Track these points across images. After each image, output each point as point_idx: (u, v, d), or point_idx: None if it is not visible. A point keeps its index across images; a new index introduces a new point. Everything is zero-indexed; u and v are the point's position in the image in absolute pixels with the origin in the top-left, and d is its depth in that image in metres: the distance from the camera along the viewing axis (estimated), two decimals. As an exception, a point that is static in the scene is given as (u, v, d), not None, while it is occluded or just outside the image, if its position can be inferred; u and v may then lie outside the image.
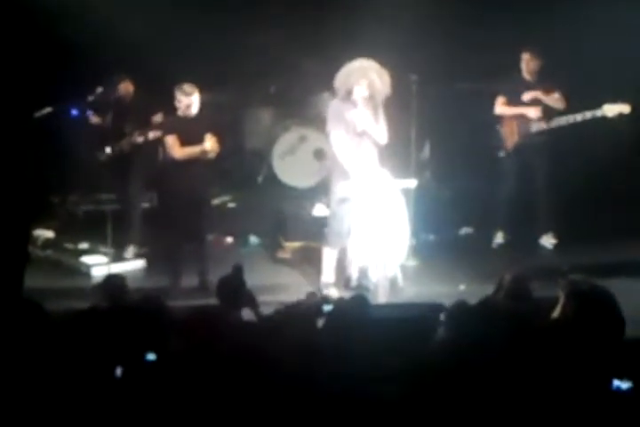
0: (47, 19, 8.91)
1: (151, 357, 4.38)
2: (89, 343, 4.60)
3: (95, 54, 8.84)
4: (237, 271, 6.14)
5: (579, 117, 8.53)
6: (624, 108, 8.33)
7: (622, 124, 8.43)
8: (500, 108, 8.89)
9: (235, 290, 5.93)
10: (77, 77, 8.87)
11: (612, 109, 8.35)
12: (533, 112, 8.72)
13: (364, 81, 7.48)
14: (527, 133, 8.79)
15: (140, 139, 8.49)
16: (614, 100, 8.34)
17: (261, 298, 6.10)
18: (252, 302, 5.97)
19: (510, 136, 8.88)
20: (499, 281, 6.08)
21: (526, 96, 8.74)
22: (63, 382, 4.18)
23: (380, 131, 7.61)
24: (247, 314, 5.93)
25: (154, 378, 4.21)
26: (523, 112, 8.75)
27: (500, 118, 8.93)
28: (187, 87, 7.75)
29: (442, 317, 5.41)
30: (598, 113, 8.41)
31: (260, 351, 4.53)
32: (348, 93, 7.55)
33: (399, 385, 4.13)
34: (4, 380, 4.17)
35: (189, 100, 7.73)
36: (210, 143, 7.72)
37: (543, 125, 8.73)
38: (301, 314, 5.36)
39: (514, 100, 8.82)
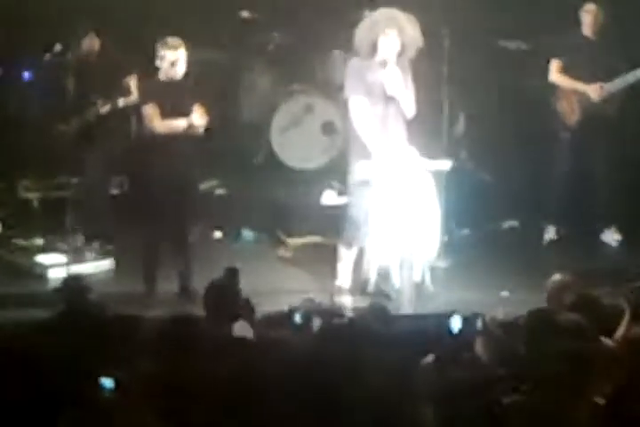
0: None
1: (108, 384, 4.26)
2: (38, 362, 4.58)
3: (53, 4, 8.81)
4: (232, 275, 6.12)
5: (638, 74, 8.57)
6: None
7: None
8: (556, 75, 8.83)
9: (228, 298, 5.91)
10: (31, 32, 8.85)
11: None
12: (596, 92, 8.69)
13: (392, 30, 7.40)
14: (589, 106, 8.74)
15: (106, 108, 8.47)
16: None
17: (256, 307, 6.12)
18: (248, 314, 5.94)
19: (569, 111, 8.83)
20: (550, 287, 6.06)
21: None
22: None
23: (409, 98, 7.54)
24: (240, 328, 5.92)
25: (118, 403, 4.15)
26: (582, 89, 8.72)
27: (555, 89, 8.88)
28: (171, 40, 7.71)
29: (478, 326, 5.36)
30: None
31: (254, 374, 4.50)
32: (373, 48, 7.48)
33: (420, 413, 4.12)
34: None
35: (175, 56, 7.66)
36: (198, 115, 7.68)
37: (602, 92, 8.70)
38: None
39: (573, 66, 8.76)
